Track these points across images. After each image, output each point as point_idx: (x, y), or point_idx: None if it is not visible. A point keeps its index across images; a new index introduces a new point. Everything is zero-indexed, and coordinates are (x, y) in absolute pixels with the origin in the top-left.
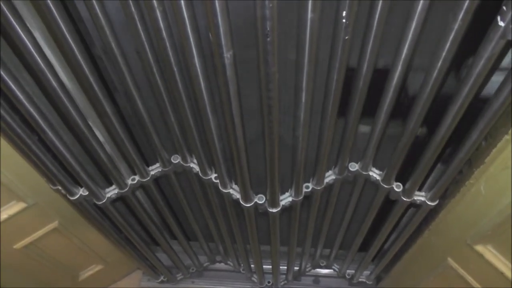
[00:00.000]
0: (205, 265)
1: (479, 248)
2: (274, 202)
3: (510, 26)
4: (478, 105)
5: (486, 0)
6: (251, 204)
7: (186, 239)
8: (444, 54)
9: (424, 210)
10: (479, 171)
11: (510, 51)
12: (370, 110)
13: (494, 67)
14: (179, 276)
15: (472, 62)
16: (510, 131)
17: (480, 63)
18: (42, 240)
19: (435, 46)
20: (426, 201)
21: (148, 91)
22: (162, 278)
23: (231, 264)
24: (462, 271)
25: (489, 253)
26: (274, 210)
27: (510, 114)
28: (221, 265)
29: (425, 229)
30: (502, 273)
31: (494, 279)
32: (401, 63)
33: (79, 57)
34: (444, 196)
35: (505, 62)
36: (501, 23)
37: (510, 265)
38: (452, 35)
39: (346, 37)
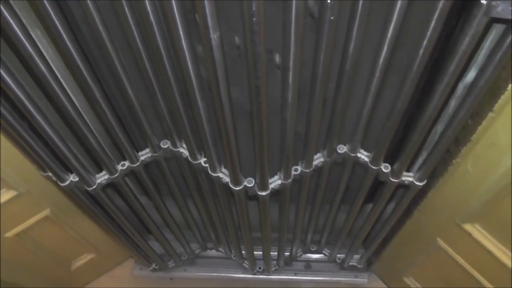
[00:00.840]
0: (196, 252)
1: (467, 227)
2: (263, 185)
3: (492, 3)
4: None
5: None
6: (240, 187)
7: (178, 227)
8: (429, 33)
9: (413, 191)
10: (466, 149)
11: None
12: (358, 91)
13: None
14: (171, 264)
15: (457, 39)
16: (494, 109)
17: (465, 40)
18: (33, 229)
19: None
20: (415, 182)
21: (137, 76)
22: (154, 266)
23: (222, 251)
24: (451, 251)
25: (477, 232)
26: (264, 193)
27: (495, 92)
28: (213, 252)
29: (414, 210)
30: (489, 252)
31: (482, 258)
32: (386, 43)
33: (68, 42)
34: (432, 176)
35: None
36: (483, 1)
37: (497, 243)
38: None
39: (332, 18)
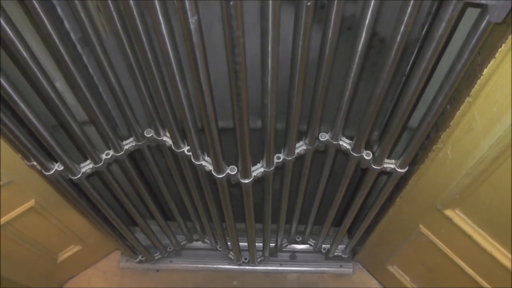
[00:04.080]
0: (182, 243)
1: (448, 212)
2: (246, 173)
3: None
4: None
5: None
6: (223, 175)
7: (164, 218)
8: (406, 18)
9: (395, 178)
10: (445, 134)
11: None
12: (338, 76)
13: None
14: (157, 255)
15: (434, 25)
16: (472, 93)
17: (441, 26)
18: (18, 220)
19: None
20: (396, 168)
21: (120, 63)
22: (140, 258)
23: (208, 242)
24: (433, 237)
25: (458, 217)
26: (247, 181)
27: (471, 76)
28: (199, 244)
29: (396, 197)
30: (469, 236)
31: (462, 243)
32: (365, 28)
33: (50, 27)
34: (413, 162)
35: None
36: None
37: (476, 228)
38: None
39: (309, 3)
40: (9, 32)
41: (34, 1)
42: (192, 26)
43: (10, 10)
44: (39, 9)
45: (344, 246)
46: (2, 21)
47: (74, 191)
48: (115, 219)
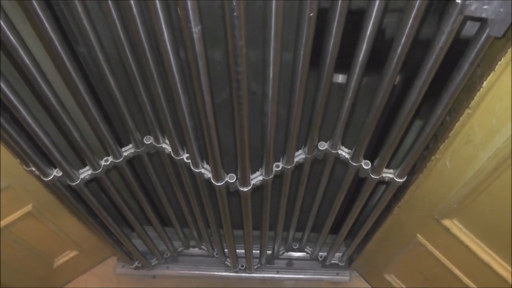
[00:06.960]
0: (179, 250)
1: (446, 222)
2: (245, 181)
3: (466, 2)
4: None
5: None
6: (222, 183)
7: (161, 224)
8: (407, 30)
9: (393, 187)
10: (444, 145)
11: None
12: (338, 86)
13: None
14: (154, 261)
15: (434, 38)
16: (471, 105)
17: (442, 38)
18: (15, 225)
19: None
20: (395, 178)
21: (121, 69)
22: (136, 264)
23: (205, 248)
24: (430, 247)
25: (455, 227)
26: (245, 189)
27: (470, 88)
28: (195, 250)
29: (394, 206)
30: (467, 246)
31: (460, 253)
32: (366, 39)
33: (52, 34)
34: (412, 172)
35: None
36: (458, 0)
37: (474, 238)
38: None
39: (311, 14)
40: (10, 36)
41: (35, 3)
42: (195, 36)
43: (10, 13)
44: (39, 12)
45: (341, 254)
46: (2, 24)
47: (72, 197)
48: (112, 225)
